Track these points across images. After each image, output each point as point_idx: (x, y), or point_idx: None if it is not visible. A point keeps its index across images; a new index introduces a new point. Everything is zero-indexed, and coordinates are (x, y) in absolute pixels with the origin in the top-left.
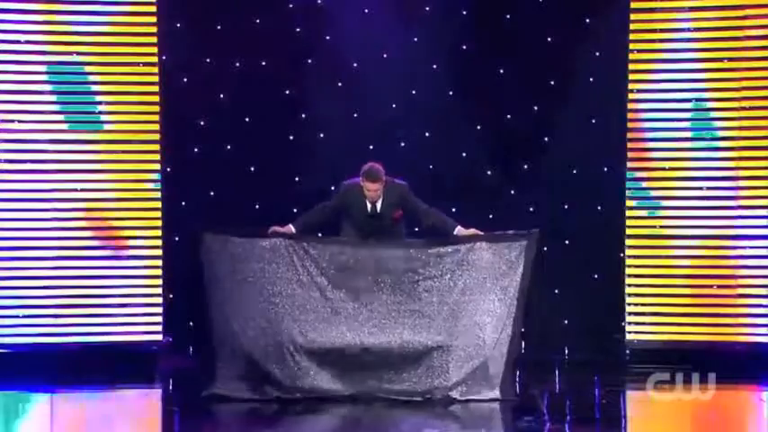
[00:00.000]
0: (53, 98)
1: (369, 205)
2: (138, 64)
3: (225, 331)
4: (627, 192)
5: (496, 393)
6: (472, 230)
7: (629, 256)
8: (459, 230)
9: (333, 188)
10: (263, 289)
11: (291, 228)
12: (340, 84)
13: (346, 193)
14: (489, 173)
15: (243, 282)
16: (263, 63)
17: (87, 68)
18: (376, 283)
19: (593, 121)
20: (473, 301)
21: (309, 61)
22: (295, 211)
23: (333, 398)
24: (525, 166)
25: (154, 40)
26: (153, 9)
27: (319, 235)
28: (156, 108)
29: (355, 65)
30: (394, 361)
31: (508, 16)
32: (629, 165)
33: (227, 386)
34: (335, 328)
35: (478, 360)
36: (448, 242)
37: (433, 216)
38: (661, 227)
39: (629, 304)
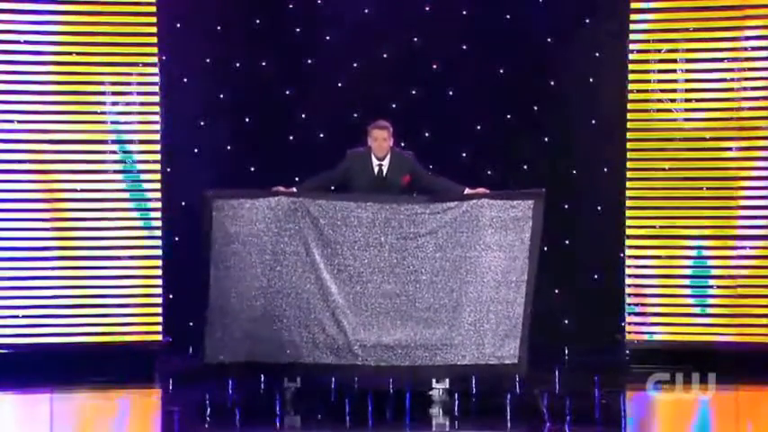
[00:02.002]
0: (53, 98)
1: (375, 167)
2: (138, 64)
3: (227, 297)
4: (627, 192)
5: (505, 358)
6: (480, 189)
7: (629, 257)
8: (467, 191)
9: (332, 189)
10: (266, 248)
11: (294, 191)
12: (340, 84)
13: (352, 159)
14: (489, 173)
15: (247, 242)
16: (263, 63)
17: (87, 68)
18: (378, 239)
19: (593, 122)
20: (477, 257)
21: (309, 61)
22: None
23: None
24: (525, 166)
25: (154, 40)
26: (153, 9)
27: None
28: (156, 108)
29: (355, 65)
30: (398, 320)
31: (508, 16)
32: (629, 165)
33: (226, 353)
34: (337, 285)
35: (485, 320)
36: (453, 198)
37: (441, 183)
38: (661, 227)
39: (629, 304)
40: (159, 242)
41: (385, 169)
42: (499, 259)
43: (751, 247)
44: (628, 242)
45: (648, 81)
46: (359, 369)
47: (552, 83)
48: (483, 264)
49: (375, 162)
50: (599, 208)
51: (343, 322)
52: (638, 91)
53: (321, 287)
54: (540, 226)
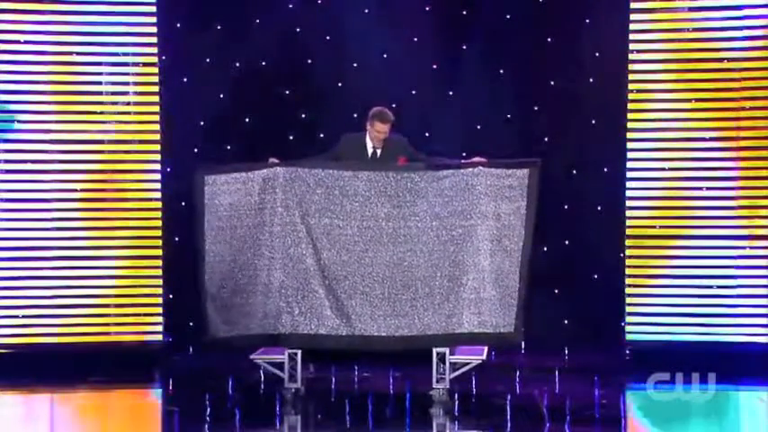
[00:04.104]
0: (53, 98)
1: (370, 149)
2: (138, 64)
3: (225, 270)
4: (627, 192)
5: (502, 327)
6: (476, 159)
7: (629, 257)
8: (462, 161)
9: None
10: (263, 220)
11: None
12: (340, 84)
13: (347, 141)
14: None
15: (243, 215)
16: (263, 63)
17: (87, 68)
18: (374, 208)
19: (593, 122)
20: (473, 226)
21: (309, 61)
22: None
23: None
24: None
25: (154, 40)
26: (153, 9)
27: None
28: (156, 108)
29: (355, 65)
30: (394, 289)
31: (508, 16)
32: (629, 165)
33: (227, 327)
34: (334, 255)
35: (481, 288)
36: (448, 166)
37: (437, 161)
38: (661, 227)
39: (629, 304)
40: (159, 242)
41: (379, 151)
42: (495, 228)
43: (751, 247)
44: (628, 242)
45: (649, 81)
46: (356, 339)
47: (552, 83)
48: (479, 232)
49: (369, 145)
50: (599, 208)
51: (339, 292)
52: (638, 91)
53: (318, 257)
54: (536, 195)
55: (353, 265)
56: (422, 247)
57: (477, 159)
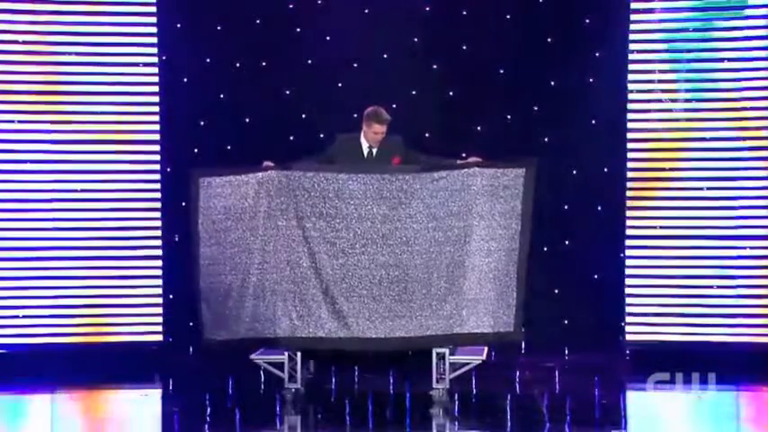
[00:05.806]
0: (53, 98)
1: (365, 149)
2: (138, 64)
3: (219, 274)
4: (627, 192)
5: (500, 326)
6: (472, 159)
7: (629, 257)
8: (458, 162)
9: None
10: (258, 223)
11: (285, 165)
12: (340, 84)
13: (342, 142)
14: None
15: (238, 218)
16: (263, 63)
17: (87, 68)
18: (370, 210)
19: (593, 122)
20: (469, 226)
21: (309, 61)
22: None
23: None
24: None
25: (154, 40)
26: (153, 9)
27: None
28: (156, 108)
29: (355, 65)
30: (391, 291)
31: (508, 16)
32: (629, 165)
33: (219, 330)
34: (330, 258)
35: (479, 288)
36: (444, 167)
37: (433, 160)
38: (661, 227)
39: (630, 304)
40: (159, 242)
41: (375, 151)
42: (491, 227)
43: (751, 248)
44: (628, 242)
45: (649, 81)
46: (354, 341)
47: (552, 83)
48: (475, 232)
49: (365, 145)
50: (599, 208)
51: (337, 295)
52: (638, 91)
53: (314, 260)
54: (532, 194)
55: (350, 268)
56: (418, 248)
57: (472, 159)
